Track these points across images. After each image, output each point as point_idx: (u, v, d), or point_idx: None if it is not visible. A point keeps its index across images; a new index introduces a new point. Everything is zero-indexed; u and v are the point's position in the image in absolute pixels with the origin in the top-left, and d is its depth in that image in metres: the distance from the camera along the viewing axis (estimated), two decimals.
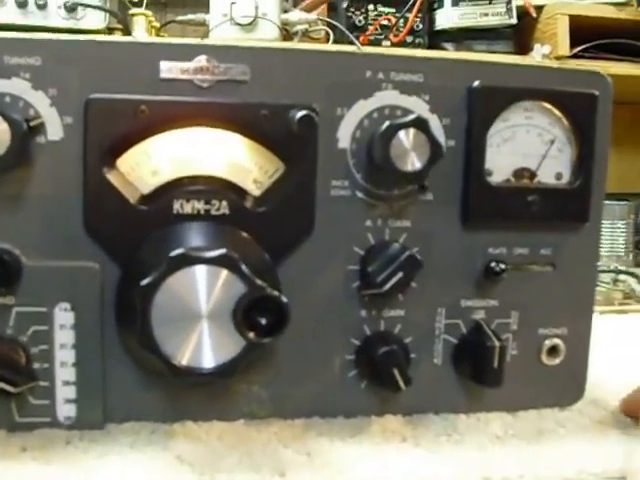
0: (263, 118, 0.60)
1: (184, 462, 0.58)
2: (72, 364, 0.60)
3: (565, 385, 0.70)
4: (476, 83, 0.64)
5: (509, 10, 1.73)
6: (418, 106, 0.63)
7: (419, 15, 1.74)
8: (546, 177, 0.67)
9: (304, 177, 0.62)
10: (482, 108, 0.64)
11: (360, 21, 1.72)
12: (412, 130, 0.59)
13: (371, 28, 1.72)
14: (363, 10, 1.73)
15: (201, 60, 0.60)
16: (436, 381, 0.67)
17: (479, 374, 0.65)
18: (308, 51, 0.62)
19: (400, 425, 0.65)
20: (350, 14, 1.73)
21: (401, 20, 1.72)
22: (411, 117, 0.60)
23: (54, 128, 0.58)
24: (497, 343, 0.64)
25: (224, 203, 0.60)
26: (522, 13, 1.76)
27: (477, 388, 0.67)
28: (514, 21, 1.75)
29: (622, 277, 1.52)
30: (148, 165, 0.61)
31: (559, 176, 0.67)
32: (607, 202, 2.06)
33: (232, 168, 0.62)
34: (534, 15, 1.76)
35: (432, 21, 1.79)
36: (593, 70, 0.68)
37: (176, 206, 0.60)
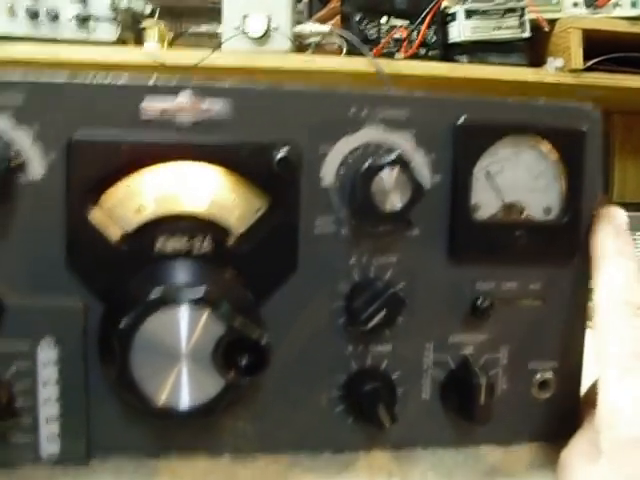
0: (245, 157, 0.60)
1: None
2: (56, 400, 0.60)
3: (556, 419, 0.69)
4: (462, 119, 0.64)
5: (522, 24, 1.71)
6: (403, 142, 0.63)
7: (432, 27, 1.73)
8: (535, 211, 0.66)
9: (287, 215, 0.62)
10: (468, 144, 0.64)
11: (373, 34, 1.72)
12: (393, 170, 0.59)
13: (384, 41, 1.71)
14: (376, 23, 1.72)
15: (183, 99, 0.59)
16: (424, 416, 0.67)
17: (466, 411, 0.64)
18: (292, 90, 0.62)
19: (387, 461, 0.65)
20: (363, 27, 1.72)
21: (414, 33, 1.71)
22: (392, 157, 0.60)
23: (36, 167, 0.58)
24: (484, 380, 0.63)
25: (206, 241, 0.60)
26: (535, 26, 1.75)
27: (466, 423, 0.66)
28: (527, 35, 1.74)
29: None
30: (131, 203, 0.60)
31: (548, 210, 0.66)
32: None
33: (215, 206, 0.61)
34: (546, 29, 1.74)
35: (446, 34, 1.78)
36: (581, 106, 0.67)
37: (158, 245, 0.60)
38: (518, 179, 0.66)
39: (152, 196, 0.61)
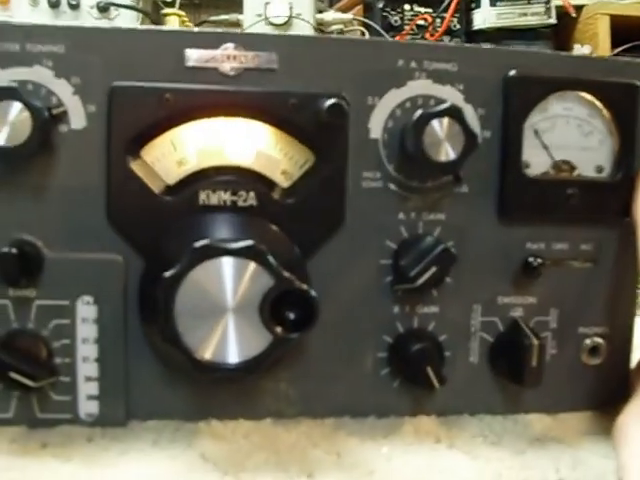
0: (292, 107, 0.59)
1: (208, 461, 0.56)
2: (94, 359, 0.59)
3: (606, 386, 0.67)
4: (512, 72, 0.62)
5: (548, 10, 1.69)
6: (452, 95, 0.61)
7: (456, 15, 1.71)
8: (586, 170, 0.65)
9: (334, 168, 0.60)
10: (519, 98, 0.62)
11: (396, 21, 1.70)
12: (446, 119, 0.57)
13: (407, 28, 1.69)
14: (399, 10, 1.71)
15: (228, 48, 0.58)
16: (472, 381, 0.65)
17: (517, 374, 0.62)
18: (338, 39, 0.60)
19: (434, 426, 0.63)
20: (386, 14, 1.70)
21: (438, 20, 1.69)
22: (445, 106, 0.58)
23: (77, 117, 0.57)
24: (536, 341, 0.61)
25: (251, 194, 0.59)
26: (561, 13, 1.72)
27: (514, 388, 0.64)
28: (553, 21, 1.71)
29: None
30: (173, 155, 0.59)
31: (600, 169, 0.65)
32: None
33: (260, 158, 0.60)
34: (573, 15, 1.72)
35: (470, 21, 1.76)
36: (633, 60, 0.65)
37: (202, 197, 0.58)
38: (569, 137, 0.64)
39: (195, 149, 0.59)
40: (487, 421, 0.65)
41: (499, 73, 0.62)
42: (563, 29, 1.77)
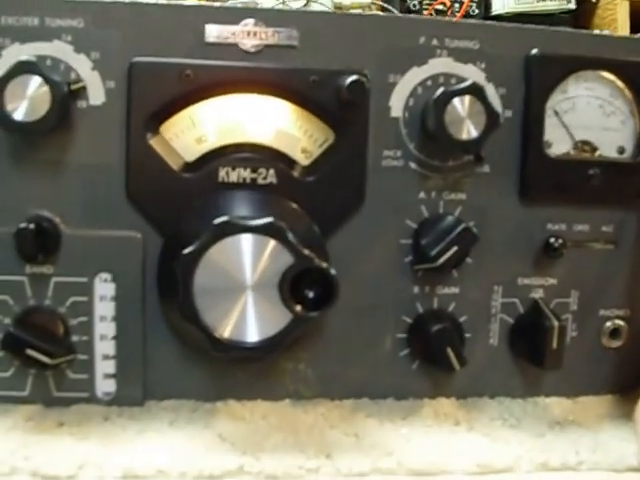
0: (312, 84, 0.58)
1: (226, 441, 0.56)
2: (112, 337, 0.58)
3: (627, 370, 0.66)
4: (534, 51, 0.61)
5: None
6: (473, 74, 0.60)
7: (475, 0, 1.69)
8: (608, 150, 0.64)
9: (355, 146, 0.59)
10: (541, 77, 0.61)
11: (415, 5, 1.68)
12: (467, 97, 0.57)
13: (425, 12, 1.68)
14: None
15: (248, 24, 0.57)
16: (491, 363, 0.64)
17: (537, 356, 0.62)
18: (360, 16, 0.60)
19: (453, 408, 0.63)
20: None
21: (456, 4, 1.67)
22: (466, 84, 0.57)
23: (96, 92, 0.56)
24: (556, 323, 0.61)
25: (271, 172, 0.58)
26: None
27: (534, 371, 0.64)
28: (572, 6, 1.69)
29: None
30: (193, 132, 0.59)
31: (621, 150, 0.64)
32: None
33: (280, 136, 0.59)
34: (593, 0, 1.70)
35: (488, 6, 1.74)
36: None
37: (221, 174, 0.58)
38: (591, 117, 0.63)
39: (214, 126, 0.59)
40: (507, 404, 0.64)
41: (521, 52, 0.61)
42: (582, 14, 1.75)
